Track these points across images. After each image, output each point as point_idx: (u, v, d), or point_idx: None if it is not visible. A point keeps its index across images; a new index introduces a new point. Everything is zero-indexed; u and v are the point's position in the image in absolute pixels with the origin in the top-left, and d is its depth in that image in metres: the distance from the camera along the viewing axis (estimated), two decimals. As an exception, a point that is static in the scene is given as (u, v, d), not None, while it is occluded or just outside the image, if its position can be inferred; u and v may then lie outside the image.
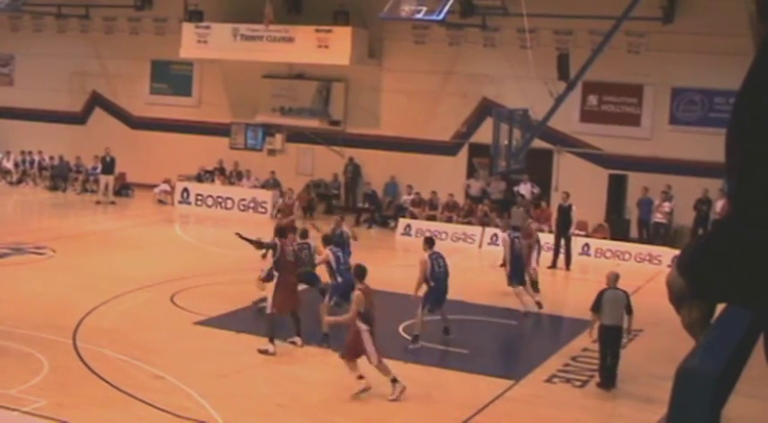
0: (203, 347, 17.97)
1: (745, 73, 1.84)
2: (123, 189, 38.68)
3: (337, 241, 20.65)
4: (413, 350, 18.29)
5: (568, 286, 26.85)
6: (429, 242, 19.67)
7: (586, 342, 18.10)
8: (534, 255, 24.22)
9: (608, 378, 16.76)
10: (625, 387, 16.82)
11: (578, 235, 29.92)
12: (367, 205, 35.29)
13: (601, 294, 16.96)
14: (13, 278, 22.63)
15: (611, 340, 16.75)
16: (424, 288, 18.94)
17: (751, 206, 1.79)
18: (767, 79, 1.79)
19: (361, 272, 16.26)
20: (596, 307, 16.85)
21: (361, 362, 15.43)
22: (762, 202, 1.76)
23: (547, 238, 27.66)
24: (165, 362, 16.57)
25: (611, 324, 16.68)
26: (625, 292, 17.15)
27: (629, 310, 16.95)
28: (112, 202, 36.49)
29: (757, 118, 1.78)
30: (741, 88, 1.83)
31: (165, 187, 37.62)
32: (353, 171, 36.69)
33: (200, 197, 36.48)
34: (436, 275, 18.85)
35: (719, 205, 28.90)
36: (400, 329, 19.73)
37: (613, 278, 17.21)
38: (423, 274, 18.82)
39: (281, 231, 19.19)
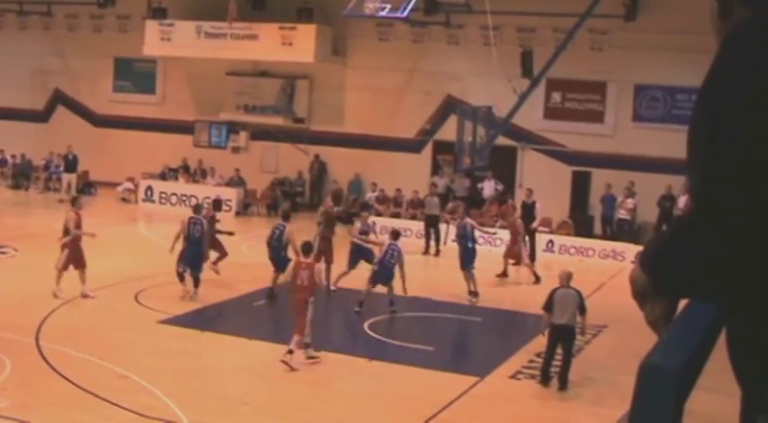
0: (168, 346, 17.89)
1: (707, 70, 1.86)
2: (86, 187, 38.38)
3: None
4: (191, 297, 20.82)
5: (532, 283, 26.90)
6: (196, 208, 22.36)
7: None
8: (524, 250, 26.01)
9: (561, 379, 16.58)
10: (589, 383, 16.90)
11: (542, 232, 30.04)
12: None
13: (552, 293, 16.72)
14: (-25, 278, 22.42)
15: (563, 340, 16.54)
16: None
17: (712, 202, 1.80)
18: (728, 77, 1.81)
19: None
20: (548, 306, 16.62)
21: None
22: (723, 198, 1.78)
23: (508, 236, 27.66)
24: (129, 361, 16.47)
25: (562, 323, 16.40)
26: (578, 291, 16.77)
27: (583, 310, 16.68)
28: (75, 201, 36.18)
29: (718, 115, 1.80)
30: (702, 85, 1.85)
31: (129, 185, 37.42)
32: (319, 169, 36.63)
33: (163, 195, 36.27)
34: (191, 238, 21.04)
35: (682, 201, 29.07)
36: (365, 327, 19.77)
37: (566, 277, 16.87)
38: (180, 233, 21.21)
39: None
